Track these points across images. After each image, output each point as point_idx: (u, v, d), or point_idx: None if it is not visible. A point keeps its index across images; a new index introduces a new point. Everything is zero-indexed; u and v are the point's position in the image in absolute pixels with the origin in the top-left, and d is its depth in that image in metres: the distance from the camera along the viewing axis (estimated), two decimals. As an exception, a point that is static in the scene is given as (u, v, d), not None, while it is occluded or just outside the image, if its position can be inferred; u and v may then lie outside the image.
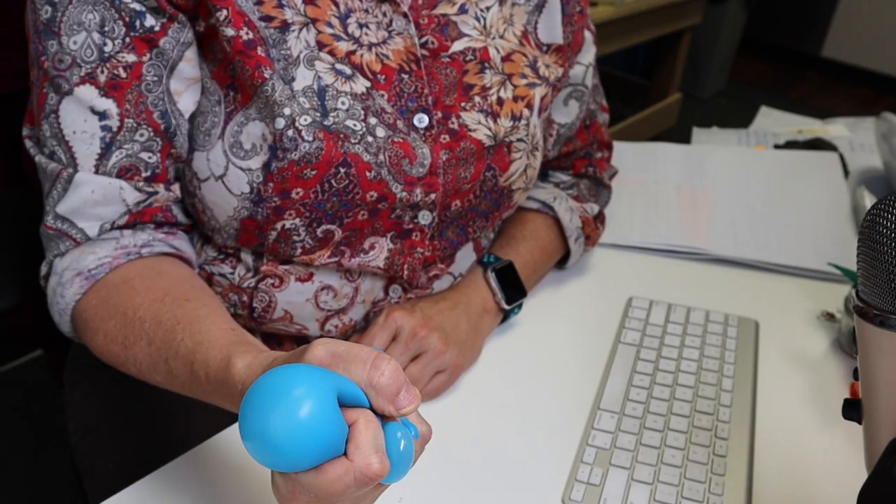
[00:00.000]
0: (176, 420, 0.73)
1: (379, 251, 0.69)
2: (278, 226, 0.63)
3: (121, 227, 0.62)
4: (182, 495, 0.59)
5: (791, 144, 1.19)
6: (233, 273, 0.69)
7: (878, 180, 1.14)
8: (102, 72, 0.58)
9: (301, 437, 0.35)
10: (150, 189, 0.62)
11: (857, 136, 1.30)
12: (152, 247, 0.62)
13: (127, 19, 0.58)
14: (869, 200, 1.01)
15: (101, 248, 0.61)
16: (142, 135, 0.60)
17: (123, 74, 0.59)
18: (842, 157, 1.11)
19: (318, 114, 0.61)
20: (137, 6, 0.58)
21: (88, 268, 0.60)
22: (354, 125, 0.62)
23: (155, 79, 0.60)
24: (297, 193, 0.61)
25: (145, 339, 0.54)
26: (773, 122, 1.43)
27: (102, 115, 0.59)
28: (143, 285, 0.58)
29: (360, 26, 0.64)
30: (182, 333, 0.52)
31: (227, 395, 0.47)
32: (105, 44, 0.58)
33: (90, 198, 0.60)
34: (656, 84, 2.98)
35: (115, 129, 0.59)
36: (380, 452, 0.38)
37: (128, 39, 0.58)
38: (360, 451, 0.37)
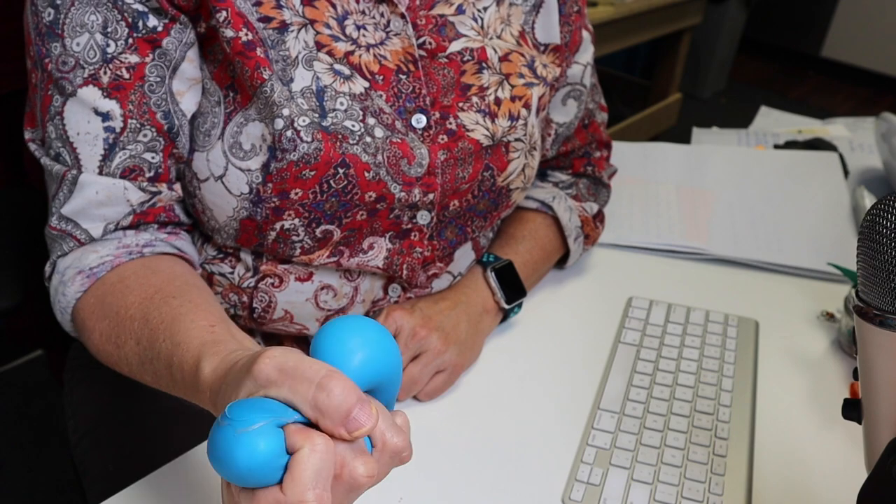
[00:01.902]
0: (176, 420, 0.73)
1: (378, 251, 0.69)
2: (277, 226, 0.63)
3: (124, 228, 0.62)
4: (182, 496, 0.59)
5: (791, 144, 1.19)
6: (232, 272, 0.69)
7: (877, 180, 1.14)
8: (105, 73, 0.58)
9: (234, 461, 0.35)
10: (153, 189, 0.62)
11: (856, 136, 1.30)
12: (154, 246, 0.62)
13: (129, 20, 0.58)
14: (869, 200, 1.01)
15: (103, 247, 0.61)
16: (145, 135, 0.60)
17: (126, 75, 0.59)
18: (842, 157, 1.11)
19: (317, 114, 0.61)
20: (140, 7, 0.58)
21: (90, 266, 0.60)
22: (353, 126, 0.62)
23: (158, 79, 0.60)
24: (296, 194, 0.61)
25: (134, 339, 0.54)
26: (773, 122, 1.43)
27: (106, 117, 0.59)
28: (137, 283, 0.58)
29: (358, 28, 0.64)
30: (163, 334, 0.52)
31: (201, 399, 0.47)
32: (108, 45, 0.58)
33: (94, 199, 0.60)
34: (656, 84, 2.98)
35: (118, 130, 0.59)
36: (319, 487, 0.35)
37: (130, 40, 0.58)
38: (294, 486, 0.35)
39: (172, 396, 0.75)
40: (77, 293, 0.60)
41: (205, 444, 0.63)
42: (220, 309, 0.56)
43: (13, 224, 0.84)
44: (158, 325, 0.53)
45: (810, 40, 3.97)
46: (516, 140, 0.71)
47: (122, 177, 0.60)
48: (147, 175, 0.61)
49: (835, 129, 1.34)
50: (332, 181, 0.61)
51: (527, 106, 0.72)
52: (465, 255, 0.78)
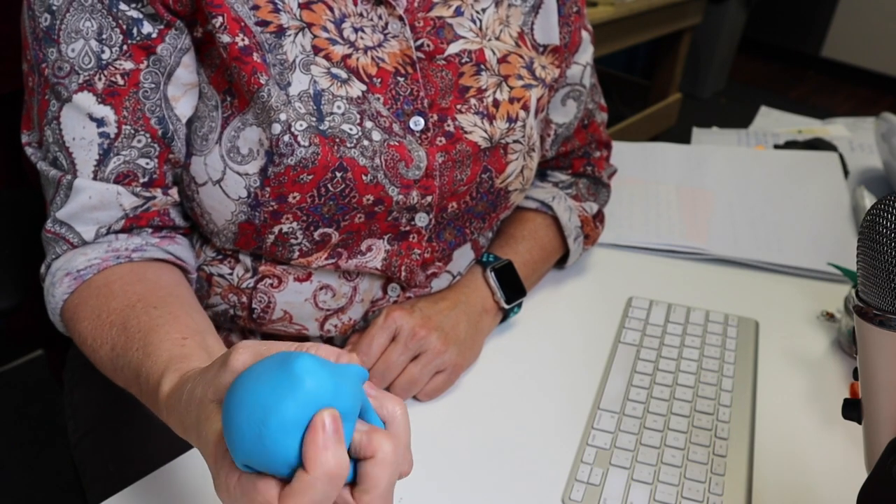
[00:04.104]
0: (176, 420, 0.73)
1: (376, 253, 0.69)
2: (275, 229, 0.63)
3: (116, 232, 0.62)
4: (182, 496, 0.59)
5: (791, 144, 1.19)
6: (231, 273, 0.69)
7: (877, 180, 1.14)
8: (100, 79, 0.58)
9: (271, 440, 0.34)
10: (147, 194, 0.62)
11: (856, 136, 1.30)
12: (144, 251, 0.62)
13: (124, 27, 0.58)
14: (869, 200, 1.01)
15: (92, 250, 0.61)
16: (139, 141, 0.60)
17: (121, 82, 0.59)
18: (842, 157, 1.11)
19: (314, 118, 0.61)
20: (135, 13, 0.58)
21: (77, 268, 0.60)
22: (350, 129, 0.62)
23: (152, 86, 0.60)
24: (294, 198, 0.61)
25: (109, 344, 0.55)
26: (773, 122, 1.43)
27: (100, 122, 0.59)
28: (121, 290, 0.58)
29: (356, 30, 0.64)
30: (138, 343, 0.52)
31: (157, 410, 0.47)
32: (103, 51, 0.58)
33: (88, 203, 0.60)
34: (656, 84, 2.99)
35: (112, 135, 0.59)
36: None
37: (125, 47, 0.58)
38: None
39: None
40: (64, 294, 0.60)
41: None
42: (201, 319, 0.57)
43: (13, 224, 0.84)
44: (135, 335, 0.53)
45: (810, 40, 3.98)
46: (515, 142, 0.71)
47: (116, 182, 0.61)
48: (141, 180, 0.62)
49: (835, 129, 1.34)
50: (329, 185, 0.61)
51: (525, 108, 0.72)
52: (464, 255, 0.78)
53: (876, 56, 3.76)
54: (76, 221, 0.61)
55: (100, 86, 0.58)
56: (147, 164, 0.61)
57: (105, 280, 0.60)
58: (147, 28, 0.59)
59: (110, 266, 0.60)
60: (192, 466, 0.61)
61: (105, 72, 0.58)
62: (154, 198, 0.63)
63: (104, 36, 0.58)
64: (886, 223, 0.38)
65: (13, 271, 0.78)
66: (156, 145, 0.61)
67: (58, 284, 0.60)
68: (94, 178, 0.60)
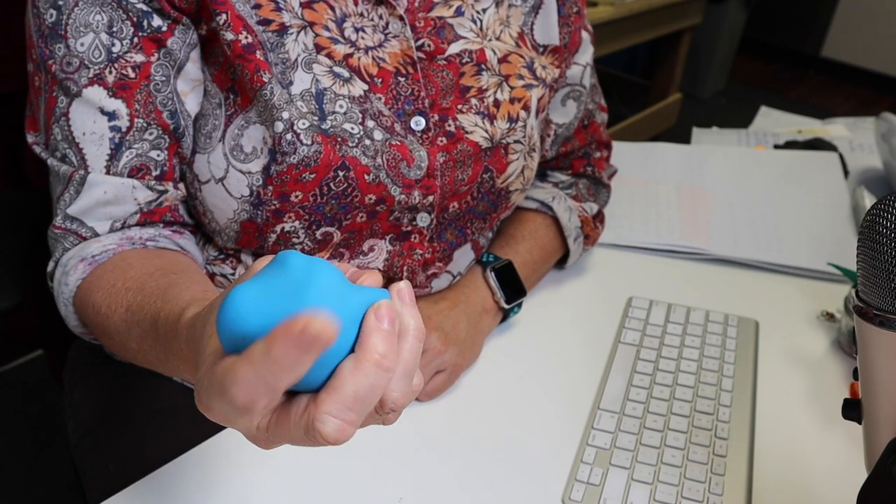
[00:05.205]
0: (176, 420, 0.73)
1: (378, 253, 0.69)
2: (278, 228, 0.63)
3: (130, 226, 0.62)
4: (182, 496, 0.59)
5: (791, 144, 1.19)
6: (234, 273, 0.69)
7: (877, 180, 1.14)
8: (111, 72, 0.58)
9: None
10: (160, 187, 0.62)
11: (856, 136, 1.30)
12: (157, 241, 0.62)
13: (135, 19, 0.58)
14: (869, 200, 1.01)
15: (107, 238, 0.61)
16: (151, 134, 0.60)
17: (132, 74, 0.59)
18: (841, 157, 1.11)
19: (316, 117, 0.61)
20: (144, 6, 0.58)
21: (92, 254, 0.60)
22: (352, 128, 0.62)
23: (163, 79, 0.60)
24: (297, 196, 0.61)
25: (125, 306, 0.54)
26: (773, 122, 1.43)
27: (112, 116, 0.59)
28: (139, 262, 0.58)
29: (357, 30, 0.64)
30: (156, 297, 0.51)
31: (176, 345, 0.44)
32: (113, 44, 0.58)
33: (102, 198, 0.60)
34: (656, 84, 2.99)
35: (124, 129, 0.59)
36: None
37: (136, 39, 0.58)
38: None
39: (172, 396, 0.75)
40: (78, 280, 0.59)
41: (204, 444, 0.63)
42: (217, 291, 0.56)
43: (13, 225, 0.84)
44: (153, 292, 0.52)
45: (810, 40, 3.98)
46: (515, 142, 0.71)
47: (130, 176, 0.61)
48: (154, 174, 0.62)
49: (835, 129, 1.34)
50: (332, 184, 0.61)
51: (526, 108, 0.72)
52: (464, 255, 0.78)
53: (876, 56, 3.76)
54: (88, 217, 0.61)
55: (110, 79, 0.58)
56: (158, 155, 0.61)
57: (122, 257, 0.59)
58: (157, 21, 0.59)
59: (126, 249, 0.60)
60: (192, 466, 0.61)
61: (116, 65, 0.58)
62: (166, 191, 0.63)
63: (115, 29, 0.58)
64: (886, 223, 0.38)
65: (13, 271, 0.78)
66: (166, 137, 0.61)
67: (71, 272, 0.59)
68: (107, 173, 0.60)
